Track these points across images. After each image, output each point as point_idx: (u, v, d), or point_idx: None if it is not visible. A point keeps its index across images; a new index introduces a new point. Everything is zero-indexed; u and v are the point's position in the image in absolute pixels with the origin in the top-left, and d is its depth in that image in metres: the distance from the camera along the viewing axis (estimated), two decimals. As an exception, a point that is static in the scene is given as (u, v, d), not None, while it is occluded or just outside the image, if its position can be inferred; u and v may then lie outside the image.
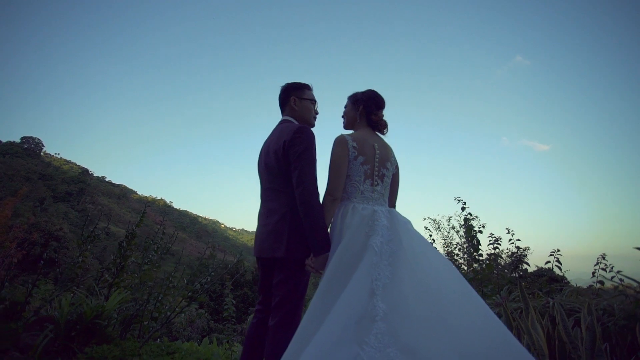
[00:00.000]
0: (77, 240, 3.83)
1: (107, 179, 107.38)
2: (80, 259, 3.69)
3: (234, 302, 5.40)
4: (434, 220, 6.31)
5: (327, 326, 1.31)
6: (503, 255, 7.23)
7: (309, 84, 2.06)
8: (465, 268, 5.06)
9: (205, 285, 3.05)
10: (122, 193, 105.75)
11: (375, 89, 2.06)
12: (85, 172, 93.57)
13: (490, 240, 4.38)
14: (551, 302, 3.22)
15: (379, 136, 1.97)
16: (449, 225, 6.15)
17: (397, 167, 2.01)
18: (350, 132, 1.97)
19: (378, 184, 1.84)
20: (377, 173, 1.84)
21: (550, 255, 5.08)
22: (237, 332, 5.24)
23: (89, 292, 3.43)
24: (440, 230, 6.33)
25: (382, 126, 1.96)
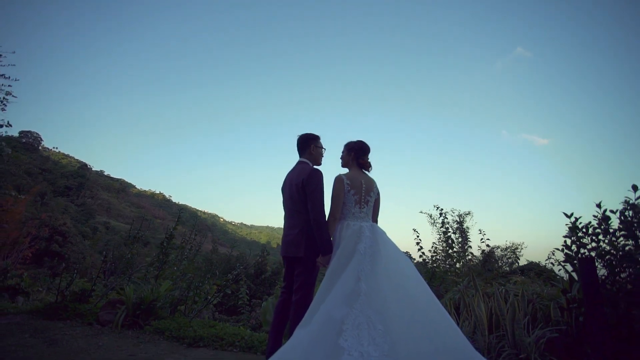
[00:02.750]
0: (125, 240, 4.71)
1: (105, 173, 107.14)
2: (129, 256, 4.59)
3: (248, 292, 6.32)
4: (430, 216, 7.16)
5: (330, 298, 2.21)
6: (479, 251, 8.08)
7: (319, 135, 2.96)
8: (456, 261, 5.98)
9: (237, 277, 3.97)
10: (122, 187, 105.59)
11: (364, 140, 2.95)
12: (83, 166, 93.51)
13: (459, 241, 5.30)
14: (500, 289, 4.16)
15: (365, 173, 2.86)
16: (444, 220, 7.02)
17: (378, 194, 2.90)
18: (346, 171, 2.86)
19: (364, 207, 2.73)
20: (363, 200, 2.73)
21: (512, 252, 6.03)
22: (252, 317, 6.14)
23: (141, 281, 4.33)
24: (435, 225, 7.19)
25: (367, 167, 2.85)
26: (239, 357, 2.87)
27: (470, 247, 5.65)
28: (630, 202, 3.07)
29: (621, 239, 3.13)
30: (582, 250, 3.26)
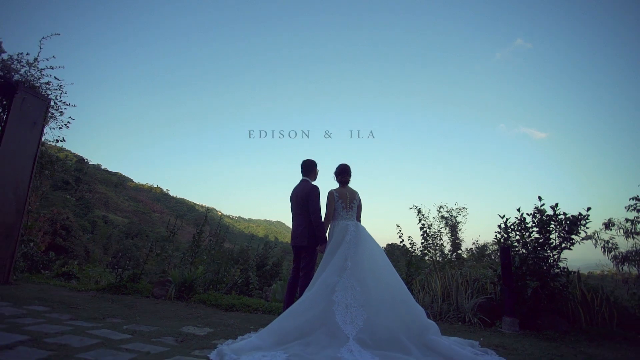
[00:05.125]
0: (165, 234, 5.90)
1: (102, 167, 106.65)
2: (167, 245, 5.78)
3: (257, 278, 7.53)
4: (419, 211, 8.30)
5: (327, 271, 3.43)
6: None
7: (316, 161, 4.18)
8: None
9: (256, 262, 5.17)
10: (119, 181, 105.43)
11: (344, 163, 4.11)
12: (81, 160, 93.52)
13: (426, 235, 6.54)
14: (456, 272, 5.41)
15: (349, 187, 4.06)
16: (438, 213, 8.20)
17: (360, 201, 4.10)
18: (336, 186, 4.07)
19: (350, 211, 3.94)
20: (348, 206, 3.93)
21: (473, 245, 7.28)
22: (262, 298, 7.40)
23: (182, 265, 5.53)
24: (424, 220, 8.31)
25: (346, 183, 4.04)
26: (264, 317, 4.10)
27: (462, 240, 6.91)
28: (538, 207, 4.32)
29: (534, 233, 4.39)
30: (507, 242, 4.52)
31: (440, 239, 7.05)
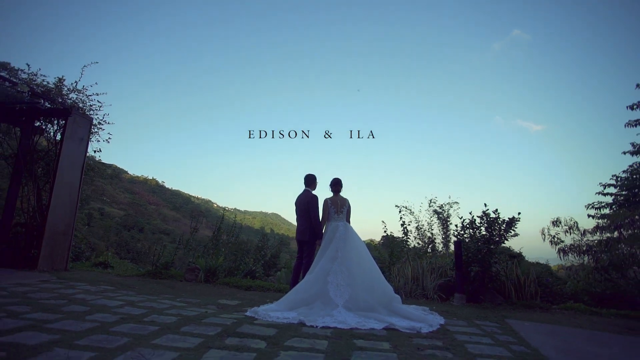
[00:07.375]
0: (190, 226, 7.10)
1: (97, 159, 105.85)
2: (191, 240, 7.02)
3: (262, 269, 8.81)
4: (406, 207, 9.50)
5: (323, 260, 4.69)
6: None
7: (316, 175, 5.42)
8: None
9: (266, 252, 6.44)
10: (114, 173, 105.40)
11: (337, 177, 5.36)
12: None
13: (406, 230, 7.84)
14: (426, 261, 6.72)
15: (340, 195, 5.31)
16: (428, 210, 9.40)
17: (349, 207, 5.35)
18: (330, 195, 5.31)
19: (340, 214, 5.20)
20: (339, 210, 5.19)
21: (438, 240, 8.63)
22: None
23: (204, 254, 6.77)
24: (412, 215, 9.49)
25: (338, 192, 5.28)
26: (276, 294, 5.38)
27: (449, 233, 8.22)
28: (484, 211, 5.61)
29: (483, 230, 5.69)
30: (462, 237, 5.83)
31: (422, 233, 8.35)
